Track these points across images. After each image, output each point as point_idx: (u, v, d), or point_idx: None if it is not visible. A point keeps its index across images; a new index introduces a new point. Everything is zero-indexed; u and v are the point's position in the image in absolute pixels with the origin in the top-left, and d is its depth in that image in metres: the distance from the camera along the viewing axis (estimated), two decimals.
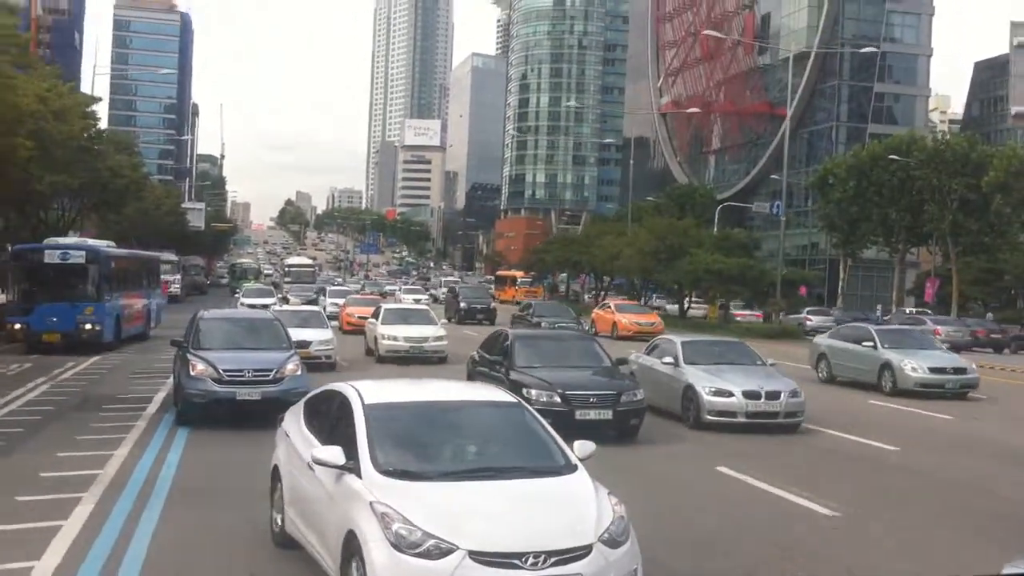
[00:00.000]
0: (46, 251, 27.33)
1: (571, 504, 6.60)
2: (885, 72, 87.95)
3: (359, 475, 6.68)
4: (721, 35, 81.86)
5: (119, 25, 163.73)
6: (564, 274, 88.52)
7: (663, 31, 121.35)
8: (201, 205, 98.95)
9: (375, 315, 29.07)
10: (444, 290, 69.92)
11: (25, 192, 33.93)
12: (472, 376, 17.29)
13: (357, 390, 7.73)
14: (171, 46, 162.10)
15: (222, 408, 14.80)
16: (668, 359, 17.65)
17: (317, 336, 23.60)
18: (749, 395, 16.13)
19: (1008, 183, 52.95)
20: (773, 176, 60.13)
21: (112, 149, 44.06)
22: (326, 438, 7.50)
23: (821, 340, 27.10)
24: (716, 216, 72.27)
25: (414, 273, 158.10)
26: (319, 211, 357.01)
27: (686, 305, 56.64)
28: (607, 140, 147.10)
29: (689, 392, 16.62)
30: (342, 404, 7.70)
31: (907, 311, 58.67)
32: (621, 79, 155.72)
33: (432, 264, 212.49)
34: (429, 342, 26.85)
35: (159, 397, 17.97)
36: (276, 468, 8.60)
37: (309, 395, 8.96)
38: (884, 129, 78.80)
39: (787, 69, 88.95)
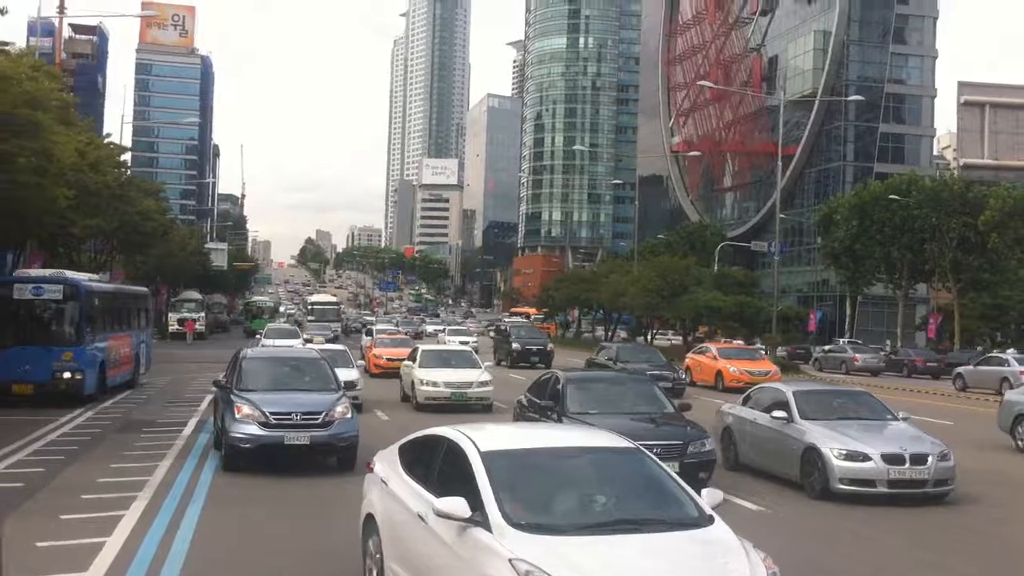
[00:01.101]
0: (15, 285, 23.19)
1: (722, 561, 6.11)
2: (890, 113, 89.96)
3: (488, 529, 6.26)
4: (713, 85, 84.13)
5: (141, 69, 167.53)
6: (579, 311, 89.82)
7: (673, 73, 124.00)
8: (224, 245, 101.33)
9: (411, 357, 27.01)
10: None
11: (60, 235, 36.20)
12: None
13: (468, 436, 7.33)
14: (192, 89, 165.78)
15: (269, 453, 14.15)
16: (779, 413, 14.72)
17: (346, 376, 21.54)
18: (890, 459, 13.30)
19: (1003, 222, 54.76)
20: (780, 215, 62.20)
21: (141, 194, 46.51)
22: (436, 488, 7.12)
23: (1018, 396, 21.10)
24: (716, 255, 74.09)
25: (429, 309, 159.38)
26: (339, 249, 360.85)
27: (689, 340, 58.50)
28: (617, 181, 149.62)
29: (812, 455, 13.74)
30: (452, 451, 7.32)
31: (841, 341, 60.51)
32: (634, 119, 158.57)
33: (451, 301, 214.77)
34: (473, 388, 24.74)
35: (192, 422, 20.08)
36: (371, 517, 8.21)
37: (405, 441, 8.46)
38: (890, 168, 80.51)
39: (795, 110, 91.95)
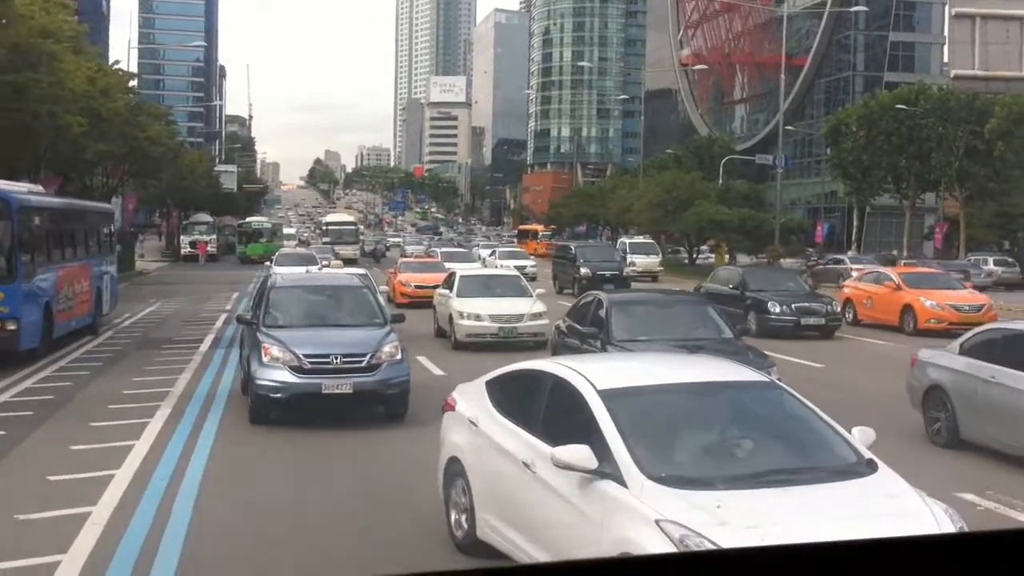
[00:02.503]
0: None
1: (902, 516, 5.29)
2: (900, 21, 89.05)
3: (621, 483, 5.43)
4: None
5: None
6: (593, 226, 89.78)
7: None
8: (233, 167, 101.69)
9: (447, 284, 22.54)
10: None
11: (73, 161, 36.85)
12: (557, 352, 14.65)
13: (579, 372, 6.44)
14: (196, 10, 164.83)
15: (304, 404, 12.03)
16: None
17: None
18: None
19: (1010, 130, 54.85)
20: (788, 127, 62.21)
21: (150, 119, 47.00)
22: (542, 432, 6.26)
23: None
24: (722, 168, 74.40)
25: (436, 227, 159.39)
26: (348, 170, 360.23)
27: (695, 254, 59.15)
28: (623, 96, 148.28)
29: None
30: (560, 389, 6.43)
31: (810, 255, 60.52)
32: (643, 31, 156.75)
33: (460, 219, 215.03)
34: (524, 321, 20.43)
35: (209, 339, 21.05)
36: (456, 460, 7.27)
37: (495, 375, 7.49)
38: (901, 77, 79.96)
39: (805, 19, 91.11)
